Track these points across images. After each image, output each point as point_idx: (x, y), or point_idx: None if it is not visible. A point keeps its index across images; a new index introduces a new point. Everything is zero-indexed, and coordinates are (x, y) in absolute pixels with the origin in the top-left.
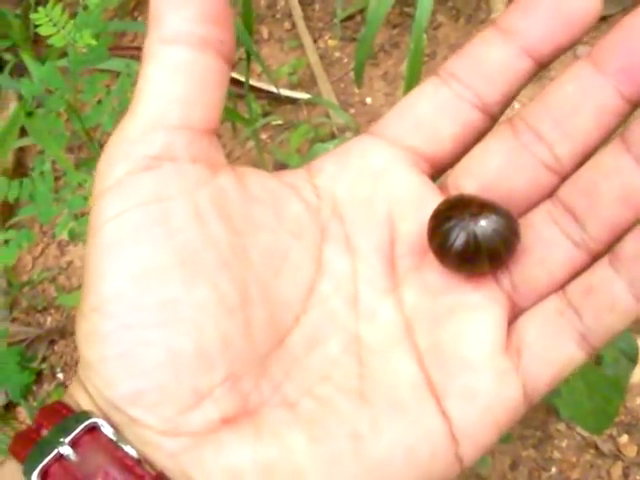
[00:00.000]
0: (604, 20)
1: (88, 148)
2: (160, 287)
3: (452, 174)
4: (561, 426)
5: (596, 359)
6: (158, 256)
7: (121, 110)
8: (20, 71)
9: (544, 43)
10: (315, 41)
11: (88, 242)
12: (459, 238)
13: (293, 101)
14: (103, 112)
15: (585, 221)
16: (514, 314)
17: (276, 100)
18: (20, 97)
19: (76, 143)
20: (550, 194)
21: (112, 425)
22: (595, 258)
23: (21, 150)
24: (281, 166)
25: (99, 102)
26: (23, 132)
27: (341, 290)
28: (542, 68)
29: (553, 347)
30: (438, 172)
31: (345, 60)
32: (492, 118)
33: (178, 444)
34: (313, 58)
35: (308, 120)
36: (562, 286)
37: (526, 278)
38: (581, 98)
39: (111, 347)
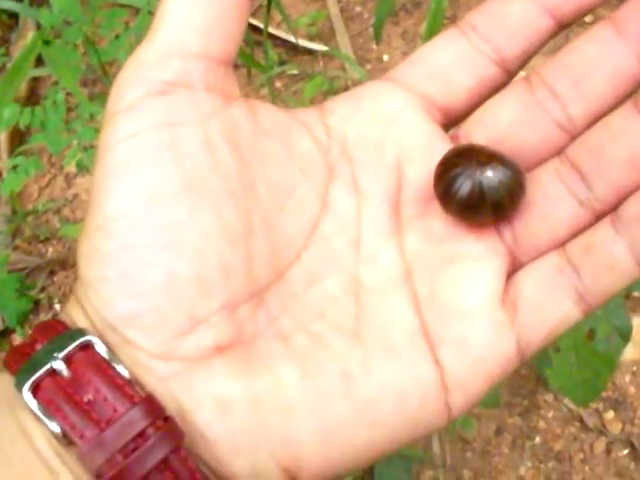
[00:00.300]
0: None
1: (102, 82)
2: (165, 210)
3: (464, 125)
4: (549, 397)
5: (589, 334)
6: (166, 180)
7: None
8: (39, 1)
9: (566, 3)
10: None
11: (97, 162)
12: (464, 186)
13: (310, 52)
14: (120, 47)
15: (592, 181)
16: (514, 268)
17: (293, 50)
18: (38, 27)
19: (90, 77)
20: (559, 152)
21: (106, 345)
22: (598, 219)
23: (35, 80)
24: None
25: (117, 37)
26: (38, 62)
27: (344, 230)
28: (562, 28)
29: (549, 303)
30: (450, 123)
31: (365, 15)
32: (509, 74)
33: (170, 368)
34: (334, 10)
35: (323, 72)
36: (563, 244)
37: (528, 232)
38: (599, 60)
39: (111, 266)
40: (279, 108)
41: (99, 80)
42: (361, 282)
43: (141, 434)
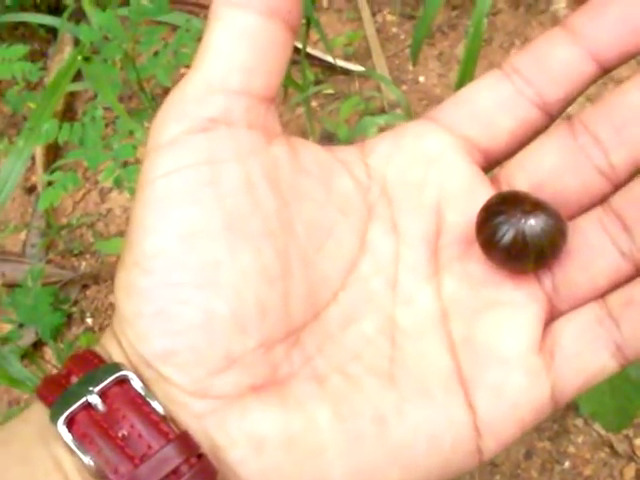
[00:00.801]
0: None
1: (139, 98)
2: (204, 249)
3: (505, 168)
4: (579, 422)
5: None
6: (205, 218)
7: (176, 64)
8: (78, 17)
9: (611, 48)
10: (374, 15)
11: (137, 196)
12: (508, 234)
13: (346, 72)
14: (158, 64)
15: (635, 232)
16: (552, 316)
17: (329, 70)
18: (76, 43)
19: (126, 93)
20: (601, 201)
21: (141, 380)
22: (639, 271)
23: (71, 95)
24: (328, 135)
25: (155, 54)
26: (74, 77)
27: (382, 272)
28: (606, 73)
29: (587, 354)
30: (491, 165)
31: (402, 37)
32: (550, 117)
33: (205, 406)
34: (370, 31)
35: (359, 92)
36: (603, 294)
37: (568, 281)
38: None
39: (148, 303)
40: (319, 146)
41: (135, 96)
42: (397, 324)
43: (175, 471)
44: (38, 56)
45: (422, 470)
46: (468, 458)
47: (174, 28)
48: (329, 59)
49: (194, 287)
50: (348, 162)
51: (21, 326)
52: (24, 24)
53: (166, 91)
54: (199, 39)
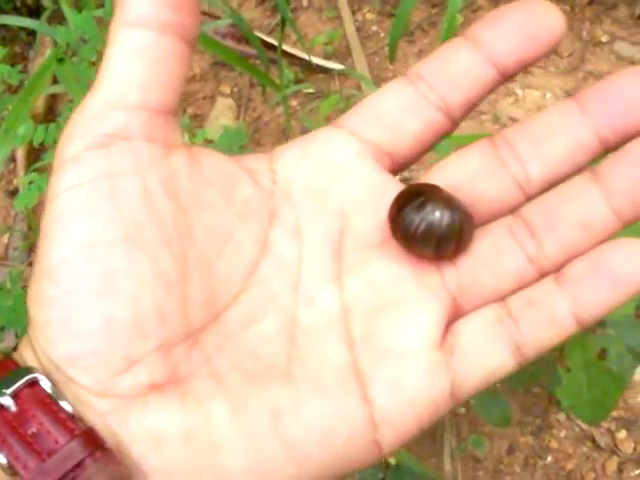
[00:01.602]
0: None
1: None
2: (103, 258)
3: (427, 173)
4: (561, 416)
5: (600, 353)
6: (104, 229)
7: None
8: (59, 19)
9: (509, 56)
10: (354, 13)
11: (45, 210)
12: (413, 217)
13: (326, 71)
14: None
15: (542, 238)
16: (455, 315)
17: (309, 69)
18: (56, 45)
19: None
20: (514, 211)
21: (52, 382)
22: (544, 277)
23: (53, 97)
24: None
25: None
26: (56, 80)
27: (284, 273)
28: (506, 79)
29: (486, 351)
30: (398, 168)
31: (382, 35)
32: (453, 122)
33: (108, 404)
34: (350, 30)
35: (339, 91)
36: (505, 296)
37: (473, 282)
38: (561, 127)
39: (55, 311)
40: (223, 155)
41: None
42: (298, 323)
43: (80, 464)
44: (19, 59)
45: (317, 464)
46: (365, 451)
47: None
48: (307, 58)
49: (95, 295)
50: (253, 169)
51: (2, 329)
52: (5, 27)
53: None
54: None
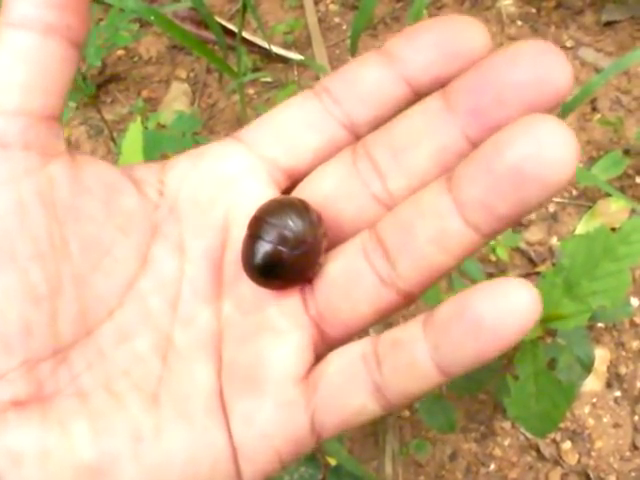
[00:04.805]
0: (609, 25)
1: None
2: None
3: (297, 189)
4: (506, 424)
5: (550, 363)
6: None
7: (108, 47)
8: None
9: (423, 73)
10: (316, 3)
11: None
12: (254, 247)
13: (285, 60)
14: (90, 45)
15: (396, 258)
16: (325, 342)
17: (268, 57)
18: None
19: None
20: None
21: None
22: (407, 298)
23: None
24: None
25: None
26: None
27: (163, 290)
28: (419, 97)
29: (347, 391)
30: (295, 184)
31: (344, 27)
32: (357, 138)
33: None
34: (311, 20)
35: (297, 81)
36: (373, 323)
37: (331, 308)
38: (424, 133)
39: None
40: (111, 166)
41: None
42: (173, 343)
43: None
44: None
45: None
46: None
47: (108, 7)
48: (267, 46)
49: None
50: (141, 180)
51: None
52: None
53: (101, 72)
54: (137, 21)
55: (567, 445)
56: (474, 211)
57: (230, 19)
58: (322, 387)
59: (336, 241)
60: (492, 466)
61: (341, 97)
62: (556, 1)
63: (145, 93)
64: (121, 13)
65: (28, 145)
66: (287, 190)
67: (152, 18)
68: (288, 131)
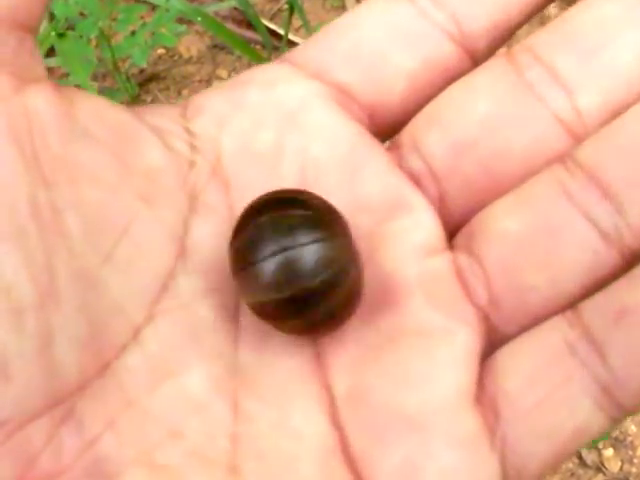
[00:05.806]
0: None
1: (113, 78)
2: None
3: (411, 124)
4: None
5: None
6: None
7: (153, 45)
8: None
9: None
10: (358, 1)
11: None
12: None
13: None
14: (135, 44)
15: (622, 202)
16: (491, 342)
17: None
18: (51, 18)
19: (101, 71)
20: (561, 160)
21: None
22: (629, 262)
23: (47, 70)
24: None
25: (132, 33)
26: (49, 53)
27: (213, 291)
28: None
29: (553, 404)
30: (381, 130)
31: None
32: (472, 58)
33: None
34: None
35: None
36: (573, 303)
37: (515, 283)
38: (623, 23)
39: None
40: (116, 105)
41: (109, 75)
42: (245, 373)
43: None
44: None
45: None
46: None
47: (153, 7)
48: None
49: None
50: (162, 128)
51: None
52: None
53: (142, 71)
54: (179, 20)
55: (609, 452)
56: None
57: (272, 19)
58: (508, 406)
59: (501, 189)
60: None
61: None
62: None
63: (186, 92)
64: (166, 13)
65: None
66: (378, 132)
67: (199, 19)
68: (366, 48)
